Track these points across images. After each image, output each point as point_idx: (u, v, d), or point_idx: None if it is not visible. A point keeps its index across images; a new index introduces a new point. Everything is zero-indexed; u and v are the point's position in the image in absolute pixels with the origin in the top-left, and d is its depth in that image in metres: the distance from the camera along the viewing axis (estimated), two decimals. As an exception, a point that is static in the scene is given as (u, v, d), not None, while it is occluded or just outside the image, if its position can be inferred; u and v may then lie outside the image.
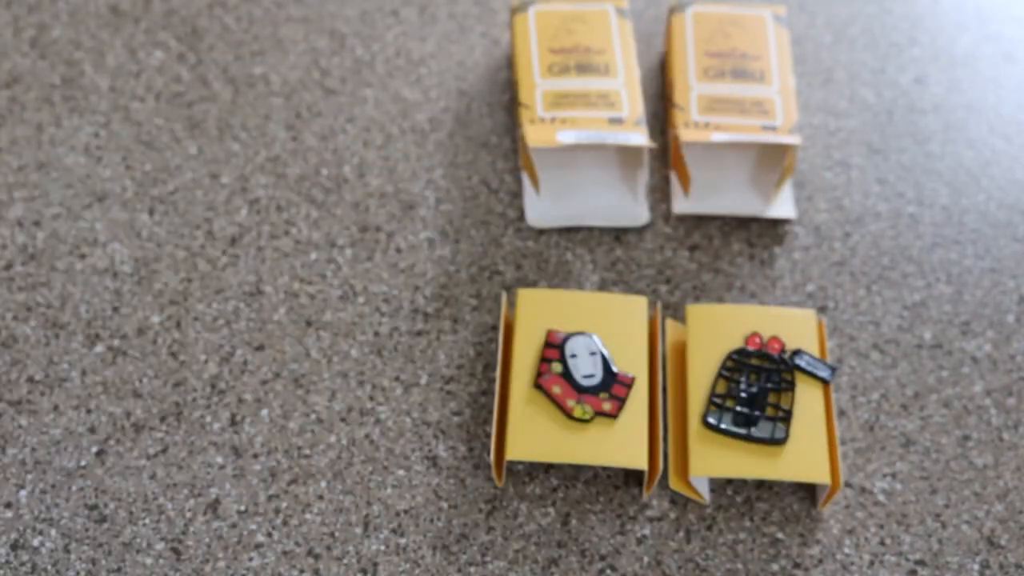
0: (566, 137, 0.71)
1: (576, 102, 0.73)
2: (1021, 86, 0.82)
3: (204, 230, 0.73)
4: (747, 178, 0.76)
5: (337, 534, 0.62)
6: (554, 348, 0.65)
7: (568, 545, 0.63)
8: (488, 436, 0.66)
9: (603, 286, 0.72)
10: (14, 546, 0.62)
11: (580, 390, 0.63)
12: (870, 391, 0.68)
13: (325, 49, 0.82)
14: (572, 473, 0.65)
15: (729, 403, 0.64)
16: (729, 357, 0.65)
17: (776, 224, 0.75)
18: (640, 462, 0.62)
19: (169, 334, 0.69)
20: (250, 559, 0.61)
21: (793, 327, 0.66)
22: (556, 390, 0.63)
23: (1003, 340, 0.71)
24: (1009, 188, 0.77)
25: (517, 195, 0.76)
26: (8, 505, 0.63)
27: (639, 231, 0.75)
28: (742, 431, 0.62)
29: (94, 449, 0.65)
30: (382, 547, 0.62)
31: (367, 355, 0.69)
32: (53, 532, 0.62)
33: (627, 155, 0.75)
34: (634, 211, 0.75)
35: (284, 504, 0.63)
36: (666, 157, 0.78)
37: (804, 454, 0.62)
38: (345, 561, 0.62)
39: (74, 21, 0.83)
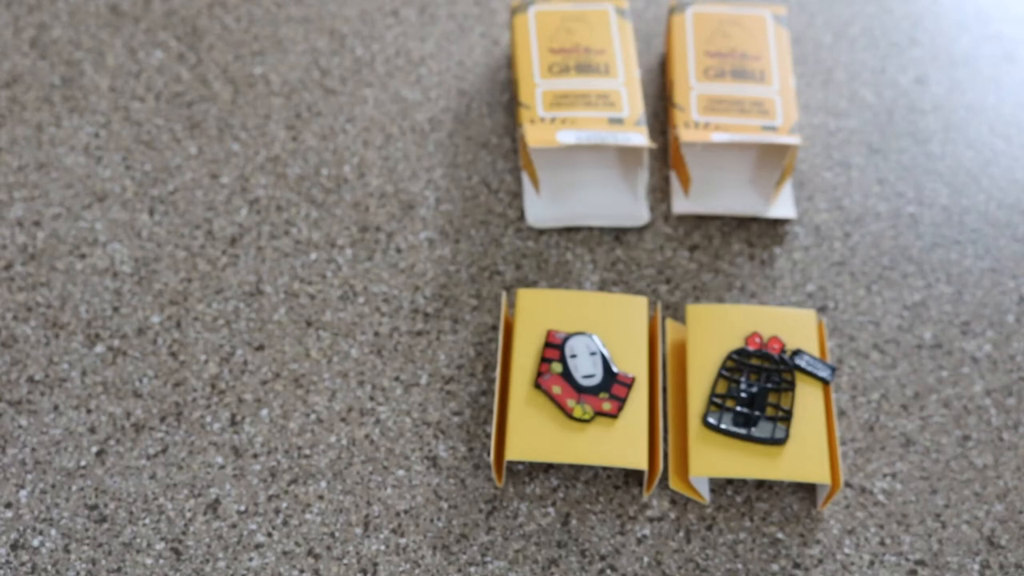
0: (566, 137, 0.71)
1: (576, 102, 0.73)
2: (1021, 86, 0.82)
3: (204, 230, 0.73)
4: (747, 178, 0.76)
5: (337, 534, 0.62)
6: (554, 348, 0.65)
7: (568, 545, 0.63)
8: (488, 436, 0.66)
9: (603, 286, 0.72)
10: (14, 546, 0.62)
11: (580, 390, 0.63)
12: (870, 391, 0.68)
13: (325, 49, 0.82)
14: (572, 473, 0.65)
15: (729, 403, 0.64)
16: (729, 357, 0.65)
17: (776, 224, 0.75)
18: (640, 462, 0.62)
19: (169, 334, 0.69)
20: (250, 559, 0.62)
21: (793, 327, 0.66)
22: (556, 390, 0.63)
23: (1003, 340, 0.71)
24: (1009, 188, 0.77)
25: (517, 195, 0.76)
26: (8, 505, 0.63)
27: (639, 231, 0.75)
28: (742, 431, 0.62)
29: (94, 449, 0.65)
30: (382, 547, 0.62)
31: (367, 355, 0.69)
32: (53, 532, 0.62)
33: (627, 155, 0.75)
34: (634, 211, 0.75)
35: (284, 504, 0.63)
36: (666, 157, 0.78)
37: (804, 454, 0.62)
38: (345, 561, 0.62)
39: (74, 21, 0.83)
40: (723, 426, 0.63)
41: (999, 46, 0.85)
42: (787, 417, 0.63)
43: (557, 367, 0.64)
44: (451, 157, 0.77)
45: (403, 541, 0.62)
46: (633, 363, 0.65)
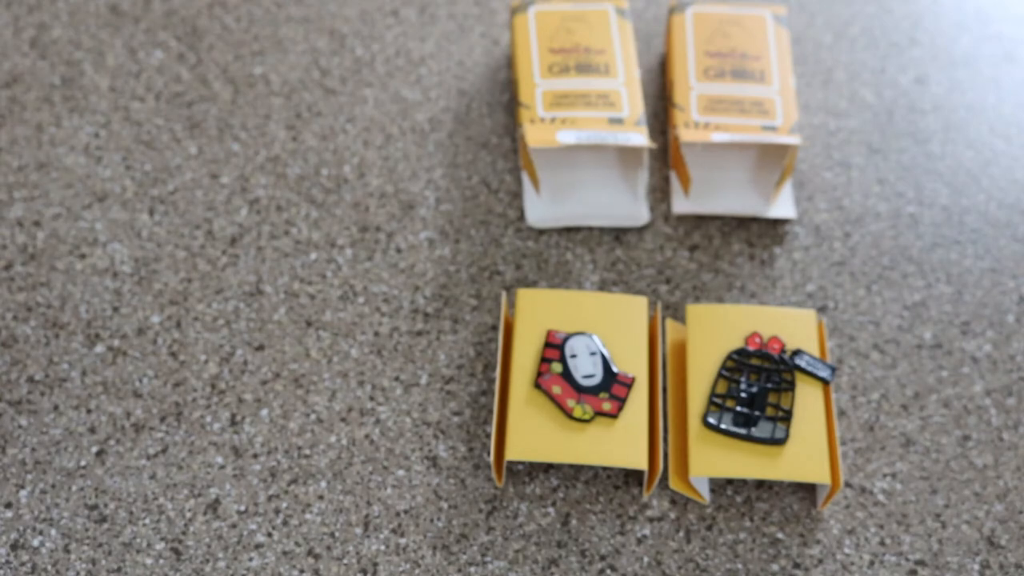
0: (566, 137, 0.71)
1: (576, 102, 0.73)
2: (1021, 86, 0.82)
3: (204, 230, 0.73)
4: (747, 178, 0.76)
5: (337, 534, 0.62)
6: (554, 348, 0.65)
7: (568, 545, 0.63)
8: (488, 436, 0.66)
9: (603, 286, 0.72)
10: (14, 546, 0.62)
11: (580, 390, 0.63)
12: (870, 391, 0.68)
13: (325, 49, 0.82)
14: (572, 473, 0.65)
15: (729, 403, 0.64)
16: (729, 357, 0.65)
17: (776, 224, 0.75)
18: (640, 462, 0.62)
19: (169, 334, 0.69)
20: (250, 559, 0.62)
21: (793, 327, 0.66)
22: (556, 390, 0.63)
23: (1003, 340, 0.71)
24: (1009, 188, 0.77)
25: (517, 195, 0.76)
26: (8, 505, 0.63)
27: (639, 231, 0.75)
28: (742, 431, 0.62)
29: (94, 449, 0.65)
30: (382, 547, 0.62)
31: (367, 355, 0.69)
32: (53, 532, 0.62)
33: (627, 155, 0.75)
34: (634, 211, 0.75)
35: (284, 504, 0.63)
36: (666, 157, 0.78)
37: (804, 454, 0.62)
38: (345, 561, 0.62)
39: (74, 21, 0.83)
40: (723, 426, 0.63)
41: (999, 46, 0.85)
42: (787, 417, 0.63)
43: (557, 367, 0.64)
44: (451, 157, 0.77)
45: (403, 541, 0.62)
46: (633, 363, 0.65)
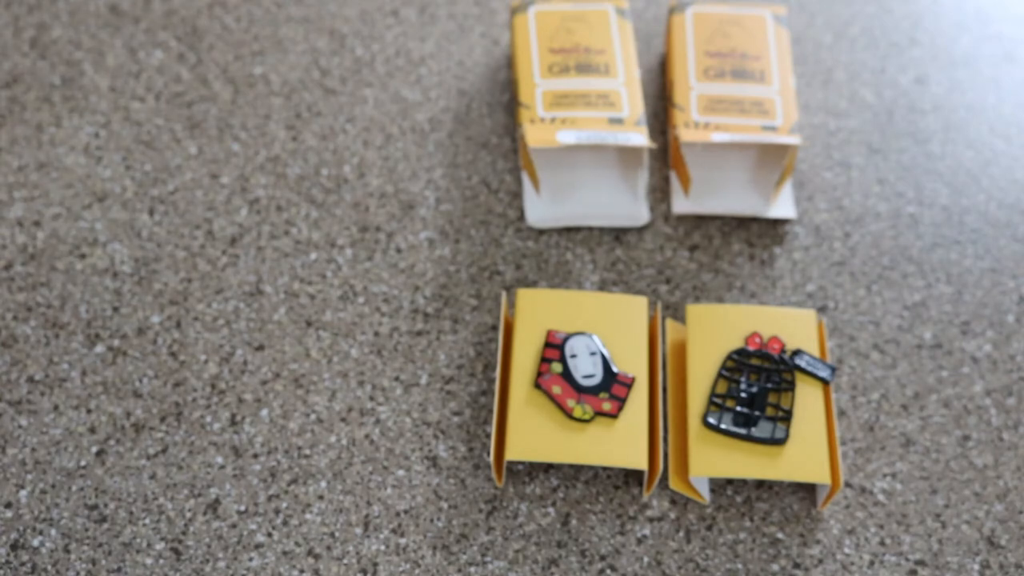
0: (566, 137, 0.71)
1: (576, 102, 0.73)
2: (1021, 86, 0.82)
3: (204, 230, 0.73)
4: (747, 178, 0.76)
5: (337, 534, 0.62)
6: (554, 348, 0.65)
7: (568, 545, 0.63)
8: (488, 436, 0.66)
9: (603, 286, 0.72)
10: (14, 546, 0.62)
11: (580, 390, 0.63)
12: (870, 391, 0.68)
13: (325, 49, 0.82)
14: (572, 473, 0.65)
15: (729, 403, 0.64)
16: (729, 357, 0.65)
17: (776, 224, 0.75)
18: (640, 462, 0.62)
19: (169, 334, 0.69)
20: (250, 559, 0.62)
21: (793, 327, 0.66)
22: (556, 390, 0.63)
23: (1003, 340, 0.71)
24: (1009, 188, 0.77)
25: (517, 195, 0.76)
26: (8, 505, 0.63)
27: (639, 231, 0.75)
28: (742, 431, 0.62)
29: (94, 449, 0.65)
30: (382, 547, 0.62)
31: (367, 355, 0.69)
32: (53, 532, 0.62)
33: (627, 155, 0.75)
34: (634, 211, 0.75)
35: (284, 504, 0.63)
36: (666, 157, 0.78)
37: (804, 454, 0.62)
38: (345, 561, 0.62)
39: (74, 21, 0.83)
40: (723, 426, 0.63)
41: (999, 46, 0.85)
42: (787, 417, 0.63)
43: (557, 367, 0.64)
44: (451, 157, 0.77)
45: (403, 541, 0.62)
46: (633, 363, 0.65)
